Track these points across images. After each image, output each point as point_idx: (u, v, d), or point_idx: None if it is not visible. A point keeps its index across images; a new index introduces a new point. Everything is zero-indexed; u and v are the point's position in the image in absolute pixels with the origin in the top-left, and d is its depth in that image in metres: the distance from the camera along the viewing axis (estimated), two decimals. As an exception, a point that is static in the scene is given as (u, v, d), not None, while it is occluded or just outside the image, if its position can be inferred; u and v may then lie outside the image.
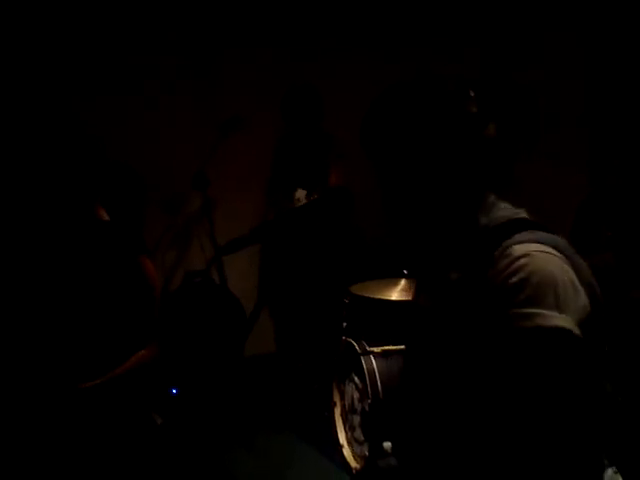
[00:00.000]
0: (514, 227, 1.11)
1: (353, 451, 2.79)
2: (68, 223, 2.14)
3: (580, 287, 1.05)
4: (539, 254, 1.05)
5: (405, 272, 2.94)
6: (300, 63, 3.97)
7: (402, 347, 2.73)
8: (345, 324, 2.98)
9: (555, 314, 0.99)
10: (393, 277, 2.97)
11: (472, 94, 1.16)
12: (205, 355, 3.64)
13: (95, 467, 2.02)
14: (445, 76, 1.17)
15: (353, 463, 2.76)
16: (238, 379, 3.67)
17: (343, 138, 3.53)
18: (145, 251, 2.31)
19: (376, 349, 2.70)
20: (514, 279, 1.02)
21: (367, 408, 2.61)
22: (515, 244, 1.07)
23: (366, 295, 2.91)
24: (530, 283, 1.01)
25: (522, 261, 1.03)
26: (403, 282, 2.92)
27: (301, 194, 3.55)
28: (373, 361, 2.66)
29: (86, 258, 2.11)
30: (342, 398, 2.91)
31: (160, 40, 3.83)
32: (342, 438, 2.87)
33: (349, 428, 2.84)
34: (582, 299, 1.04)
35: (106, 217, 2.21)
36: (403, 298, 2.82)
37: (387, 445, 2.50)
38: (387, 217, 1.22)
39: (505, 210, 1.17)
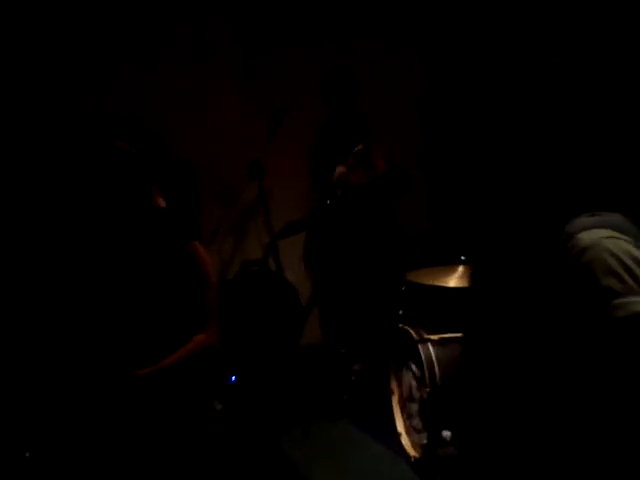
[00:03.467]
0: (574, 210, 1.08)
1: (411, 440, 2.76)
2: (127, 208, 2.18)
3: None
4: (607, 240, 1.02)
5: (463, 258, 2.88)
6: (345, 47, 3.93)
7: (460, 334, 2.69)
8: (402, 311, 2.95)
9: (637, 298, 0.97)
10: (450, 264, 2.92)
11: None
12: (262, 343, 3.67)
13: (156, 451, 2.06)
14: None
15: (411, 452, 2.74)
16: (294, 367, 3.69)
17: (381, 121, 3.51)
18: (198, 237, 2.33)
19: (433, 337, 2.66)
20: (587, 270, 1.00)
21: (425, 396, 2.58)
22: (581, 231, 1.03)
23: (423, 282, 2.87)
24: (605, 272, 0.99)
25: (592, 250, 1.01)
26: (460, 269, 2.86)
27: (339, 169, 3.48)
28: (431, 349, 2.62)
29: (142, 243, 2.14)
30: (400, 386, 2.89)
31: (208, 26, 3.86)
32: (400, 426, 2.85)
33: (407, 416, 2.82)
34: None
35: (163, 204, 2.24)
36: (460, 285, 2.77)
37: (446, 434, 2.48)
38: (443, 200, 1.19)
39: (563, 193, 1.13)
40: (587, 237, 1.02)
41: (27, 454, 1.96)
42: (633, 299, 0.97)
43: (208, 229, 3.79)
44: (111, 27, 3.64)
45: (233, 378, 3.46)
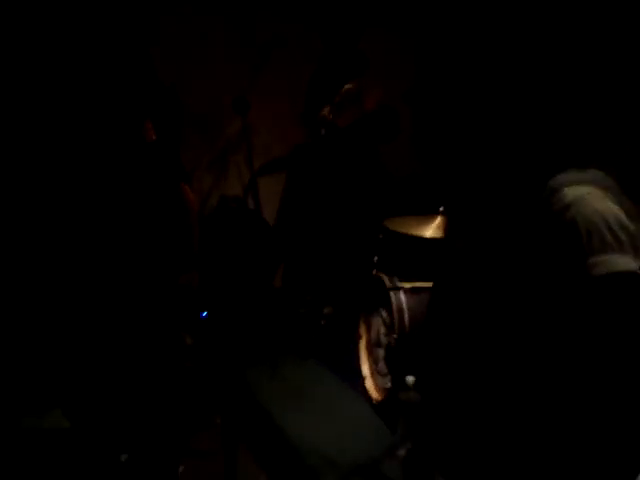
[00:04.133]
0: (559, 164, 1.06)
1: (375, 383, 2.82)
2: (118, 139, 2.12)
3: (631, 224, 1.02)
4: (591, 197, 1.02)
5: (441, 209, 2.87)
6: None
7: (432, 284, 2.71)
8: (377, 258, 2.96)
9: (616, 257, 0.98)
10: (428, 213, 2.91)
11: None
12: (236, 281, 3.68)
13: (132, 382, 2.08)
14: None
15: (374, 394, 2.79)
16: (267, 306, 3.71)
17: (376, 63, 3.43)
18: (186, 178, 2.29)
19: (406, 285, 2.68)
20: (571, 226, 1.00)
21: (392, 342, 2.61)
22: (565, 186, 1.03)
23: (400, 231, 2.86)
24: (588, 230, 0.99)
25: (576, 207, 1.01)
26: (438, 219, 2.86)
27: (325, 109, 3.41)
28: (402, 296, 2.65)
29: (132, 177, 2.10)
30: (368, 331, 2.92)
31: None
32: (365, 369, 2.90)
33: (373, 361, 2.86)
34: (637, 235, 1.01)
35: (154, 137, 2.18)
36: (437, 235, 2.77)
37: (410, 379, 2.52)
38: (429, 143, 1.17)
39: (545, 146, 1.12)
40: (571, 193, 1.02)
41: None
42: (612, 257, 0.97)
43: (189, 160, 3.73)
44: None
45: (204, 314, 3.47)
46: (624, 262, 0.97)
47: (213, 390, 2.95)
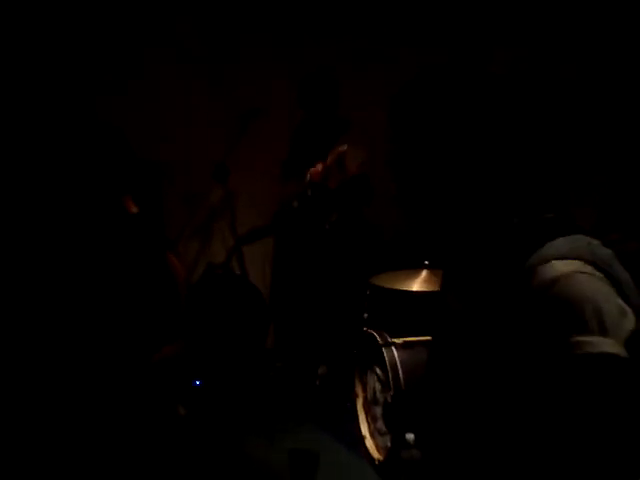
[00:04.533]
0: (548, 231, 1.06)
1: (375, 442, 2.78)
2: (98, 215, 2.14)
3: (625, 307, 1.01)
4: (579, 276, 1.00)
5: (426, 263, 2.91)
6: (316, 48, 3.94)
7: (424, 338, 2.72)
8: (366, 315, 2.97)
9: (600, 339, 0.97)
10: (414, 268, 2.95)
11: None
12: (227, 346, 3.66)
13: (119, 457, 2.04)
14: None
15: (376, 454, 2.76)
16: (260, 370, 3.68)
17: (360, 124, 3.52)
18: (171, 247, 2.31)
19: (398, 340, 2.69)
20: (555, 304, 0.99)
21: (389, 399, 2.60)
22: (554, 259, 1.02)
23: (387, 286, 2.89)
24: (572, 309, 0.98)
25: (562, 284, 0.99)
26: (424, 273, 2.90)
27: (315, 167, 3.48)
28: (395, 352, 2.65)
29: (116, 252, 2.10)
30: (364, 389, 2.90)
31: (175, 26, 3.83)
32: (364, 429, 2.86)
33: (371, 419, 2.84)
34: (628, 319, 1.00)
35: (135, 209, 2.20)
36: (424, 289, 2.80)
37: (410, 437, 2.50)
38: (412, 205, 1.18)
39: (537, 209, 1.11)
40: (558, 268, 1.01)
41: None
42: (595, 339, 0.96)
43: (173, 229, 3.76)
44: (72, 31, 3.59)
45: (197, 382, 3.43)
46: (607, 344, 0.97)
47: (208, 460, 2.90)
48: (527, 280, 1.03)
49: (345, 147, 3.21)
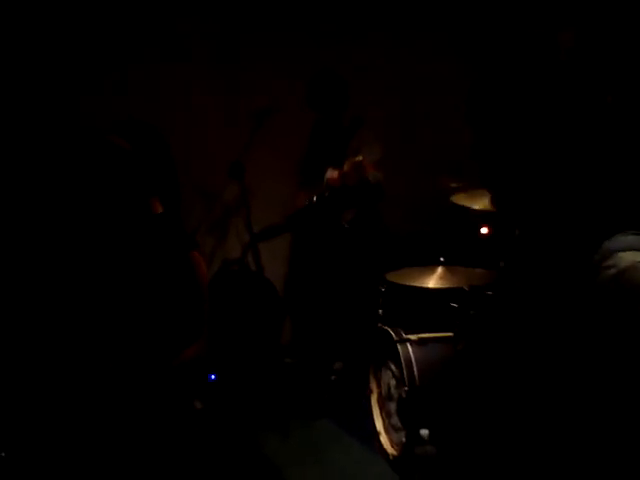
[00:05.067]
0: (612, 225, 1.06)
1: (390, 438, 2.80)
2: (124, 214, 2.12)
3: None
4: None
5: (442, 259, 2.92)
6: (330, 48, 3.95)
7: (439, 335, 2.73)
8: (381, 311, 2.98)
9: None
10: (429, 265, 2.95)
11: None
12: (243, 341, 3.68)
13: (133, 452, 2.06)
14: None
15: (390, 450, 2.77)
16: (274, 365, 3.70)
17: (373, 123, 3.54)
18: (196, 246, 2.29)
19: (412, 336, 2.70)
20: (624, 293, 0.98)
21: (404, 395, 2.61)
22: (620, 251, 1.01)
23: (402, 283, 2.90)
24: None
25: (630, 274, 0.98)
26: (440, 269, 2.90)
27: (331, 173, 3.52)
28: (409, 348, 2.66)
29: (141, 252, 2.09)
30: (379, 385, 2.92)
31: (191, 25, 3.86)
32: (379, 425, 2.88)
33: (386, 415, 2.85)
34: None
35: (160, 209, 2.18)
36: (440, 286, 2.81)
37: (424, 432, 2.52)
38: (494, 191, 1.17)
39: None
40: (625, 258, 1.00)
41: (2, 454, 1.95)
42: None
43: (189, 226, 3.79)
44: (101, 31, 3.64)
45: (213, 377, 3.46)
46: None
47: (223, 456, 2.91)
48: (594, 274, 1.02)
49: (361, 158, 3.23)
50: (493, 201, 1.19)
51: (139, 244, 2.05)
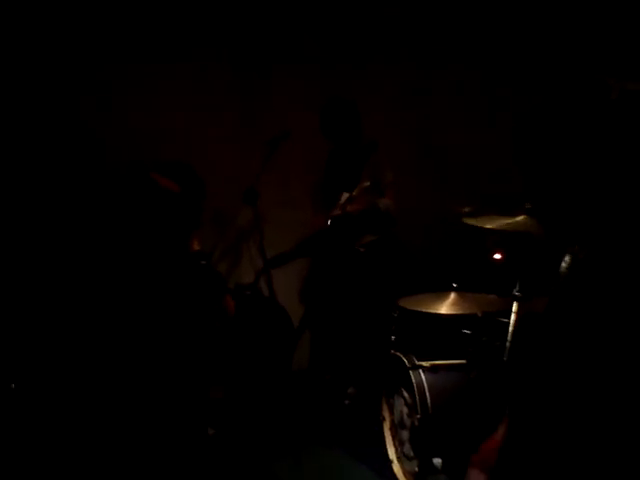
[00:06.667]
0: None
1: (403, 467, 2.76)
2: (166, 254, 2.13)
3: None
4: None
5: (454, 285, 2.90)
6: (343, 77, 4.01)
7: (452, 362, 2.70)
8: (394, 338, 2.97)
9: None
10: (442, 290, 2.94)
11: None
12: (255, 367, 3.67)
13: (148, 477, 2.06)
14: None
15: (403, 479, 2.73)
16: (286, 391, 3.68)
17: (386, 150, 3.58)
18: (228, 290, 2.30)
19: (425, 363, 2.68)
20: None
21: (416, 423, 2.59)
22: None
23: (415, 309, 2.89)
24: None
25: None
26: (452, 295, 2.89)
27: (345, 198, 3.56)
28: (422, 375, 2.64)
29: (180, 292, 2.09)
30: (391, 413, 2.89)
31: (209, 56, 3.93)
32: (392, 453, 2.85)
33: (399, 443, 2.82)
34: None
35: (197, 247, 2.20)
36: (452, 312, 2.79)
37: (437, 461, 2.48)
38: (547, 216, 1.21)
39: None
40: None
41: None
42: None
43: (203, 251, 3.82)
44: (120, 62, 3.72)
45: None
46: None
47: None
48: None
49: (368, 183, 3.27)
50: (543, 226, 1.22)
51: (178, 281, 2.05)
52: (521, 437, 1.19)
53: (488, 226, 2.46)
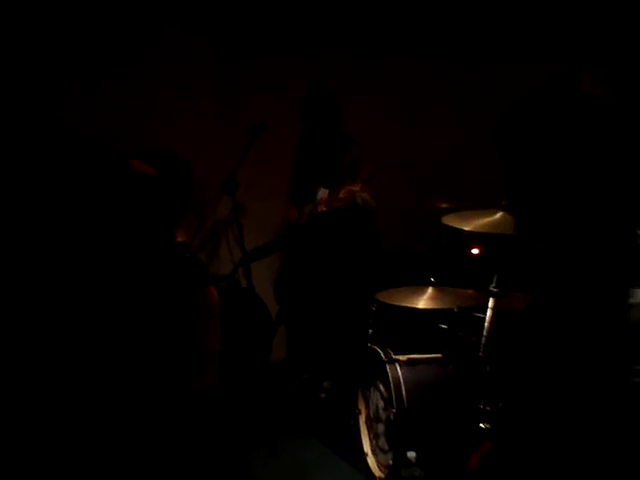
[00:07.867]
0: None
1: (377, 460, 2.77)
2: (148, 241, 2.09)
3: None
4: None
5: (432, 280, 2.91)
6: (321, 66, 3.99)
7: (428, 356, 2.72)
8: (371, 331, 2.97)
9: None
10: (419, 285, 2.95)
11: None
12: (232, 358, 3.65)
13: (125, 464, 2.04)
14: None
15: (377, 472, 2.75)
16: (264, 382, 3.68)
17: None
18: (212, 281, 2.27)
19: (402, 357, 2.68)
20: None
21: (392, 417, 2.60)
22: None
23: (393, 303, 2.89)
24: None
25: None
26: (430, 290, 2.90)
27: (323, 193, 3.56)
28: (398, 369, 2.65)
29: (161, 281, 2.06)
30: (367, 406, 2.90)
31: (185, 43, 3.88)
32: (366, 446, 2.86)
33: (374, 436, 2.83)
34: None
35: (182, 238, 2.17)
36: (429, 306, 2.80)
37: (411, 455, 2.49)
38: (525, 217, 1.21)
39: None
40: None
41: None
42: None
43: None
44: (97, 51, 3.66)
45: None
46: None
47: (210, 474, 2.88)
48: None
49: (358, 188, 3.27)
50: (518, 224, 1.23)
51: (160, 272, 2.02)
52: (510, 439, 1.20)
53: (467, 228, 2.46)
